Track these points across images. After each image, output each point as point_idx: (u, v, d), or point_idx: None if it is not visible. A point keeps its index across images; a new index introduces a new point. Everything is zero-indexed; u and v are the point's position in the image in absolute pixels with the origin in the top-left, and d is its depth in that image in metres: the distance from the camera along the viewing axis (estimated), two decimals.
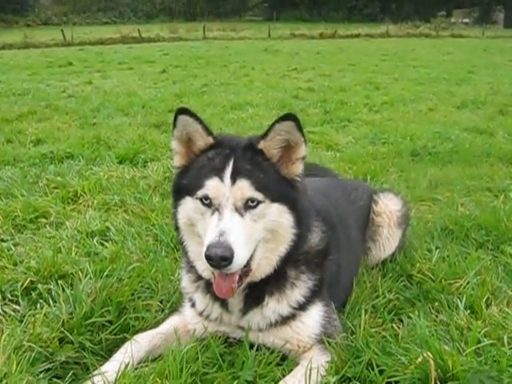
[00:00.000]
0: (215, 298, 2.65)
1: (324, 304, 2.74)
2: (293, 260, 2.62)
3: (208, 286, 2.68)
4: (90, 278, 3.23)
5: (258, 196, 2.38)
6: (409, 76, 16.60)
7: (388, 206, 3.67)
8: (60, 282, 3.24)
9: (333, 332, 2.70)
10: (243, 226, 2.33)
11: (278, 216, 2.45)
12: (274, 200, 2.42)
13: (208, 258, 2.23)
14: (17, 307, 3.06)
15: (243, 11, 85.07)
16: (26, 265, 3.52)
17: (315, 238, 2.78)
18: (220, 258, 2.21)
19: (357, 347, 2.62)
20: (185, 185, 2.52)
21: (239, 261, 2.28)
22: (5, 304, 3.10)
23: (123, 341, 2.75)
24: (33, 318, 2.83)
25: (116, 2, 76.56)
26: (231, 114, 10.11)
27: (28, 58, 24.80)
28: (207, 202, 2.39)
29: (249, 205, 2.37)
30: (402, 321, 2.99)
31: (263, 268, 2.55)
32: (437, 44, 34.03)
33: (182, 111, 2.49)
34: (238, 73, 17.85)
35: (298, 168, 2.53)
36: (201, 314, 2.78)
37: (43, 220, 4.51)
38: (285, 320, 2.66)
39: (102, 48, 31.47)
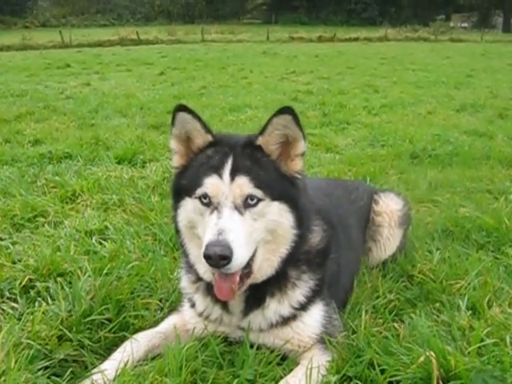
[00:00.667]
0: (216, 299, 2.61)
1: (325, 303, 2.71)
2: (294, 260, 2.59)
3: (208, 288, 2.65)
4: (89, 276, 3.21)
5: (258, 193, 2.34)
6: (408, 79, 16.58)
7: (389, 206, 3.64)
8: (59, 279, 3.22)
9: (333, 331, 2.68)
10: (243, 225, 2.29)
11: (279, 216, 2.41)
12: (274, 198, 2.38)
13: (207, 257, 2.19)
14: (15, 305, 3.04)
15: (242, 14, 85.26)
16: (24, 263, 3.50)
17: (316, 237, 2.75)
18: (219, 257, 2.17)
19: (358, 346, 2.60)
20: (184, 185, 2.48)
21: (239, 260, 2.24)
22: (3, 302, 3.08)
23: (122, 339, 2.73)
24: (31, 316, 2.82)
25: (114, 4, 76.77)
26: (230, 116, 10.09)
27: (26, 59, 24.77)
28: (206, 200, 2.35)
29: (248, 203, 2.33)
30: (403, 321, 2.97)
31: (264, 270, 2.52)
32: (435, 48, 34.10)
33: (181, 108, 2.45)
34: (236, 75, 17.83)
35: (297, 165, 2.49)
36: (200, 314, 2.75)
37: (42, 219, 4.48)
38: (286, 320, 2.63)
39: (100, 50, 31.48)
